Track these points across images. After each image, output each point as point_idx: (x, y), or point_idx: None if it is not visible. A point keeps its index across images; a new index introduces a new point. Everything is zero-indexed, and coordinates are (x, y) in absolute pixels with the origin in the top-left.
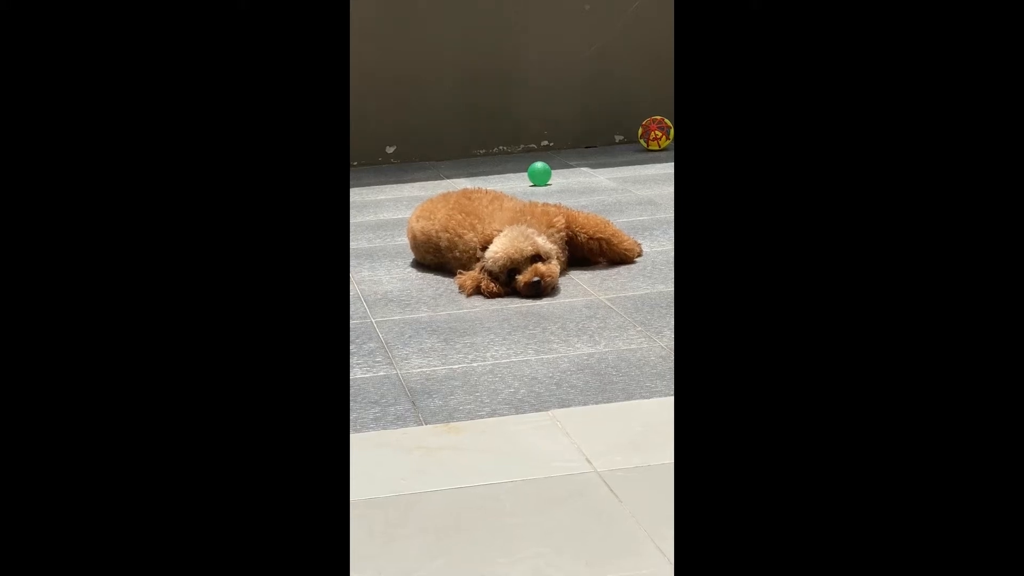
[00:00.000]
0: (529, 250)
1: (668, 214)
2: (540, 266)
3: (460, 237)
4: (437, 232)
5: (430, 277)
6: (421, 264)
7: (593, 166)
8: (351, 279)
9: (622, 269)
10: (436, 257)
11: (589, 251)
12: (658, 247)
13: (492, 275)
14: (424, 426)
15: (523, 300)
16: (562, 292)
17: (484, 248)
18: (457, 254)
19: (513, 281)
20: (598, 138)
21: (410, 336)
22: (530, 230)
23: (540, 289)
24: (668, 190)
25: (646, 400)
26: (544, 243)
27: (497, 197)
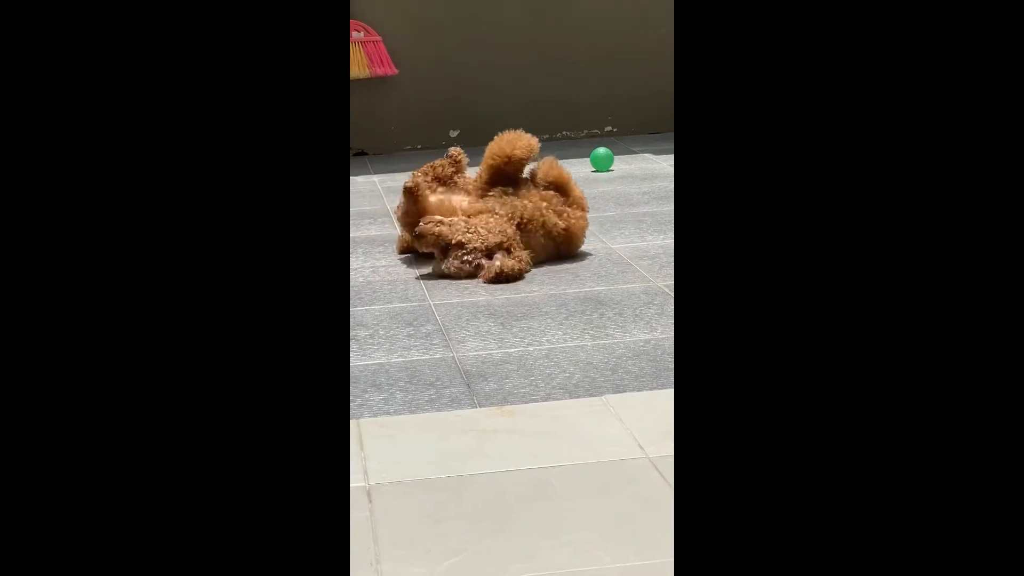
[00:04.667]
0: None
1: None
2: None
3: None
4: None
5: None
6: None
7: (656, 152)
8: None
9: None
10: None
11: None
12: None
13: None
14: (478, 408)
15: (581, 286)
16: (620, 278)
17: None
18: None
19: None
20: (661, 124)
21: (467, 319)
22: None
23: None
24: None
25: None
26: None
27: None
